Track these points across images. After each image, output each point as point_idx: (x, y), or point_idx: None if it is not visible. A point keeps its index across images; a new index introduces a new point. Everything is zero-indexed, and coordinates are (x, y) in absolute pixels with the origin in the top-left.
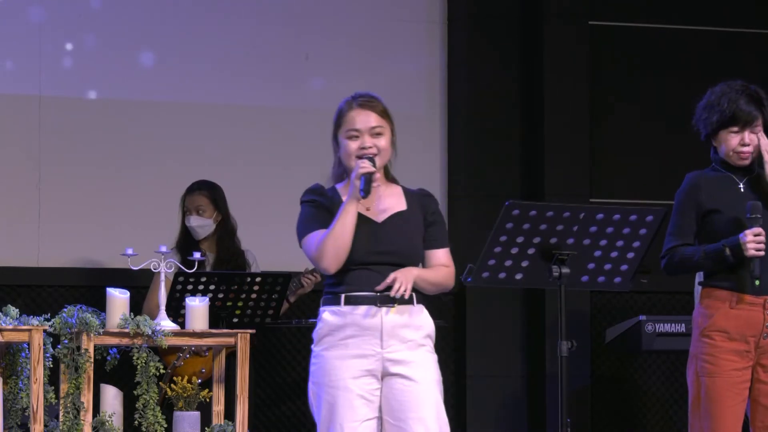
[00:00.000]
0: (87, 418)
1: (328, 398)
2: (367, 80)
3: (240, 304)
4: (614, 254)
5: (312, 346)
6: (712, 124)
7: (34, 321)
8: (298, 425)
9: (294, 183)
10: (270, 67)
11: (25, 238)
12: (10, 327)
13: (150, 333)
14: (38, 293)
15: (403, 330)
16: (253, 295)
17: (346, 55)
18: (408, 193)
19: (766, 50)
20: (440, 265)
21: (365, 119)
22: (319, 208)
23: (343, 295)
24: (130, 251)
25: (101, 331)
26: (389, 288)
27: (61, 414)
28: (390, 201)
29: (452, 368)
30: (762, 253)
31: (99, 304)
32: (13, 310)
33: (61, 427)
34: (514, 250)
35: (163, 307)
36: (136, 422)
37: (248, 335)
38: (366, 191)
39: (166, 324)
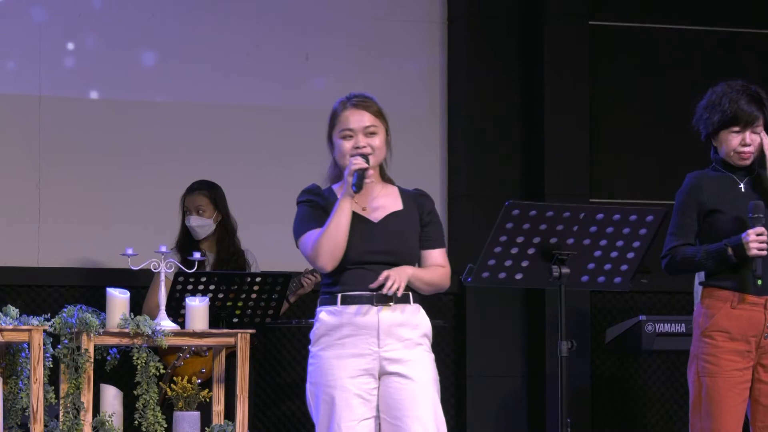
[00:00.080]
0: (87, 418)
1: (326, 398)
2: (367, 80)
3: (240, 304)
4: (614, 254)
5: (309, 347)
6: (713, 124)
7: (34, 321)
8: (298, 425)
9: (294, 183)
10: (270, 67)
11: (25, 238)
12: (10, 327)
13: (150, 333)
14: (38, 293)
15: (400, 329)
16: (253, 295)
17: (346, 55)
18: (404, 194)
19: (766, 50)
20: (436, 265)
21: (359, 119)
22: (315, 207)
23: (339, 295)
24: (130, 251)
25: (101, 331)
26: (384, 286)
27: (61, 414)
28: (386, 201)
29: (452, 368)
30: (764, 252)
31: (99, 304)
32: (13, 310)
33: (61, 427)
34: (514, 250)
35: (163, 307)
36: (136, 422)
37: (248, 335)
38: (358, 186)
39: (166, 324)
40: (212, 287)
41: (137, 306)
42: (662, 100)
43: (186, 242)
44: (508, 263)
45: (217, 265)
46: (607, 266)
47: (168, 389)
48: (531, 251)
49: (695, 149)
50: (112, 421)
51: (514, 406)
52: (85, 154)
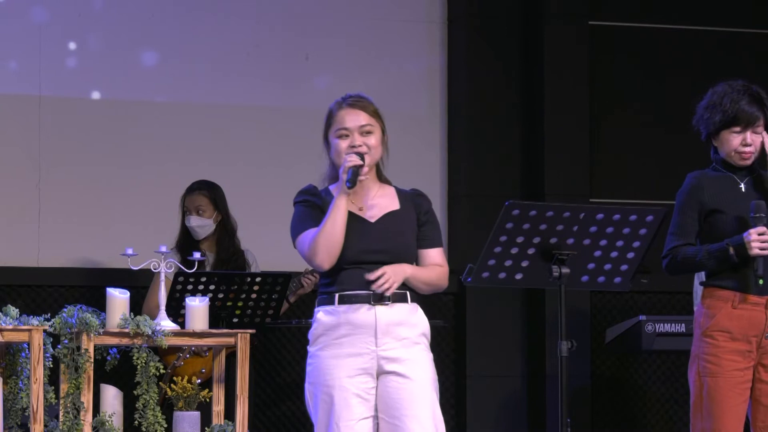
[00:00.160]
0: (87, 418)
1: (325, 398)
2: (367, 80)
3: (240, 304)
4: (614, 254)
5: (308, 347)
6: (714, 124)
7: (34, 321)
8: (298, 425)
9: (294, 183)
10: (270, 67)
11: (25, 238)
12: (10, 327)
13: (150, 333)
14: (38, 293)
15: (398, 328)
16: (253, 295)
17: (346, 55)
18: (401, 194)
19: (766, 50)
20: (434, 265)
21: (355, 118)
22: (312, 208)
23: (336, 295)
24: (130, 251)
25: (101, 331)
26: (376, 282)
27: (61, 414)
28: (383, 201)
29: (452, 368)
30: (766, 252)
31: (99, 304)
32: (13, 310)
33: (61, 427)
34: (514, 250)
35: (163, 307)
36: (136, 422)
37: (248, 335)
38: (352, 182)
39: (166, 324)
40: (212, 287)
41: (137, 306)
42: (662, 100)
43: (186, 242)
44: (508, 263)
45: (217, 265)
46: (607, 266)
47: (168, 389)
48: (531, 251)
49: (695, 149)
50: (112, 421)
51: (514, 406)
52: (85, 154)
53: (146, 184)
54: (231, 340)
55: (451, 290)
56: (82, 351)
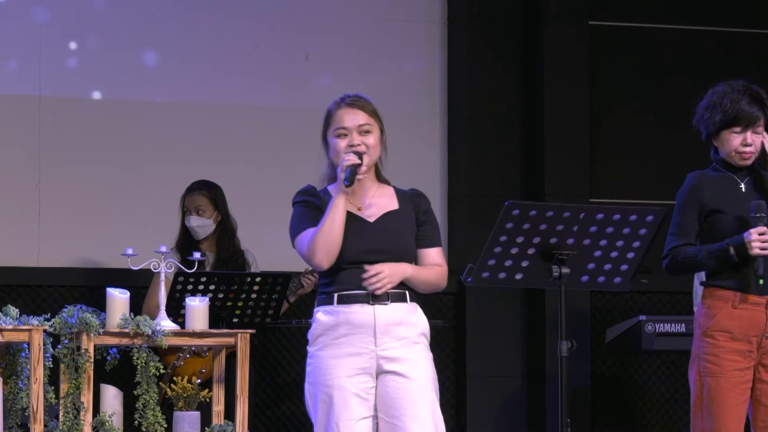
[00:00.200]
0: (87, 418)
1: (324, 398)
2: (367, 80)
3: (240, 304)
4: (614, 254)
5: (307, 347)
6: (714, 124)
7: (34, 321)
8: (298, 425)
9: (294, 183)
10: (270, 67)
11: (25, 238)
12: (10, 327)
13: (150, 333)
14: (38, 293)
15: (397, 327)
16: (253, 295)
17: (346, 55)
18: (400, 193)
19: (766, 50)
20: (433, 264)
21: (353, 117)
22: (310, 208)
23: (335, 295)
24: (130, 251)
25: (101, 331)
26: (369, 280)
27: (61, 414)
28: (381, 201)
29: (452, 368)
30: (767, 251)
31: (99, 304)
32: (13, 310)
33: (61, 427)
34: (514, 250)
35: (163, 307)
36: (136, 422)
37: (248, 335)
38: (350, 180)
39: (166, 324)
40: (212, 287)
41: (137, 306)
42: (662, 100)
43: (186, 242)
44: (508, 263)
45: (217, 265)
46: (607, 266)
47: (168, 389)
48: (531, 251)
49: (695, 149)
50: (112, 421)
51: (514, 406)
52: (85, 154)
53: (146, 184)
54: (231, 340)
55: (451, 290)
56: (82, 351)
